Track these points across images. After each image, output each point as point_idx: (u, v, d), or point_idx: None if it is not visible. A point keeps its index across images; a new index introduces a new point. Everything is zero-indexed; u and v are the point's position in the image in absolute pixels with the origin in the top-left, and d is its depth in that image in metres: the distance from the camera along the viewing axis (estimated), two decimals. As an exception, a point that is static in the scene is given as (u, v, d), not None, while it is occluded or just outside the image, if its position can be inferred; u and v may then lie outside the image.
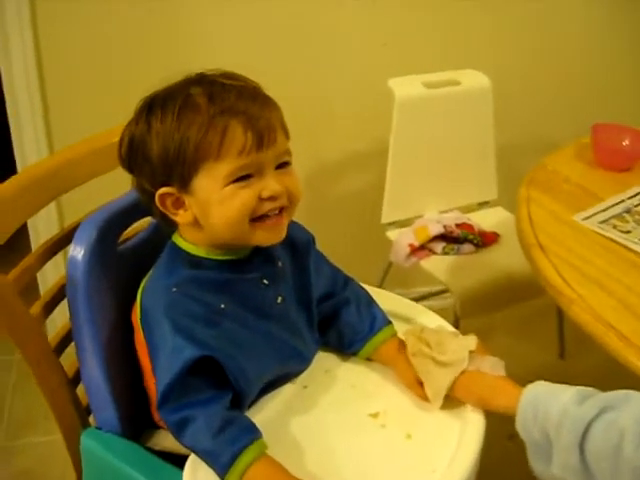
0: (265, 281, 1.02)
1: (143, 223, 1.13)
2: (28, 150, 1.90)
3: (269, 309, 1.02)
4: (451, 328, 1.14)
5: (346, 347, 1.12)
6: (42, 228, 1.96)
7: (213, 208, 0.93)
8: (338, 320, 1.12)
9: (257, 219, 0.95)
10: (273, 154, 0.94)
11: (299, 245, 1.09)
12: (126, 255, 1.08)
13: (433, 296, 2.13)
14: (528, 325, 2.30)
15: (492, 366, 1.02)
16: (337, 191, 2.28)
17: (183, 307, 0.94)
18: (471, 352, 1.03)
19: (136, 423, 1.07)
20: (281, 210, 0.96)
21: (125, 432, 1.06)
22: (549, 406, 0.90)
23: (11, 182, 1.04)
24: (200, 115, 0.91)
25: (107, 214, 1.04)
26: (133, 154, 0.96)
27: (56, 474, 1.12)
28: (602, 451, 0.84)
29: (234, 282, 0.99)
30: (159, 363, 0.93)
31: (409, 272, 1.89)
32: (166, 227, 1.01)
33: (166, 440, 1.04)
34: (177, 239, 1.01)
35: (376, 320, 1.11)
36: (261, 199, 0.93)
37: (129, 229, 1.10)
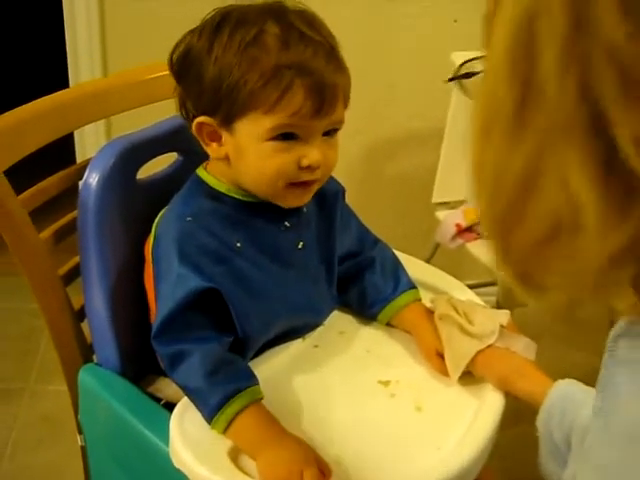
0: (287, 224, 0.96)
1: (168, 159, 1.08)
2: (82, 75, 1.87)
3: (288, 254, 0.96)
4: (482, 303, 1.06)
5: (367, 308, 1.05)
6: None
7: (249, 158, 0.88)
8: (361, 279, 1.06)
9: (290, 186, 0.90)
10: (326, 123, 0.88)
11: (328, 195, 1.02)
12: (145, 189, 1.03)
13: (478, 287, 2.04)
14: (578, 331, 2.18)
15: (524, 347, 0.94)
16: (392, 168, 2.21)
17: (195, 238, 0.89)
18: (502, 328, 0.96)
19: (140, 366, 1.03)
20: (312, 183, 0.91)
21: (126, 372, 1.02)
22: (579, 409, 0.80)
23: (60, 94, 1.05)
24: (267, 59, 0.84)
25: (129, 142, 1.00)
26: (185, 66, 0.90)
27: (74, 424, 1.13)
28: None
29: (253, 221, 0.94)
30: (161, 292, 0.89)
31: (456, 257, 1.81)
32: (187, 156, 0.97)
33: (168, 388, 1.00)
34: (201, 171, 0.96)
35: (400, 282, 1.05)
36: (299, 167, 0.88)
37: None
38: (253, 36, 0.85)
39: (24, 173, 1.01)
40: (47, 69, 2.41)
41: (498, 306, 1.58)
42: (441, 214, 1.83)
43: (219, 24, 0.88)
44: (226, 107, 0.87)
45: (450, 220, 1.73)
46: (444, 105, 1.79)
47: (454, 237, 1.72)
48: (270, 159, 0.87)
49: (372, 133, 2.13)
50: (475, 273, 1.79)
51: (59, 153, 1.21)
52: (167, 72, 0.97)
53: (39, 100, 1.02)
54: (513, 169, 0.42)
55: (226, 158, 0.91)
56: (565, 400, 0.83)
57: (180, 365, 0.86)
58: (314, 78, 0.84)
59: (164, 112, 1.06)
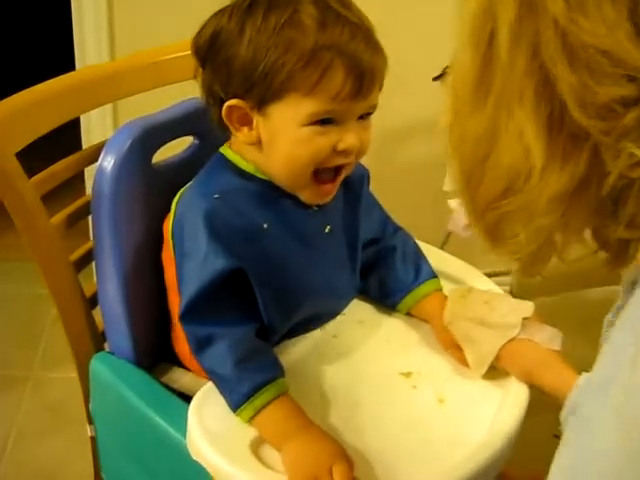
0: (315, 207, 0.93)
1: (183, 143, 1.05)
2: (89, 58, 1.82)
3: (314, 238, 0.94)
4: (503, 292, 1.03)
5: (386, 297, 1.03)
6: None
7: (282, 142, 0.86)
8: (381, 267, 1.03)
9: (318, 176, 0.88)
10: (363, 106, 0.86)
11: (353, 179, 0.99)
12: (161, 172, 1.00)
13: (492, 277, 2.02)
14: (589, 327, 2.17)
15: (549, 338, 0.91)
16: (403, 156, 2.18)
17: (223, 216, 0.86)
18: (525, 319, 0.93)
19: (154, 356, 1.01)
20: (340, 170, 0.89)
21: (139, 361, 0.99)
22: None
23: (67, 77, 1.03)
24: (305, 41, 0.81)
25: (145, 125, 0.97)
26: (213, 49, 0.87)
27: (81, 410, 1.10)
28: None
29: (281, 202, 0.91)
30: (187, 271, 0.86)
31: (469, 246, 1.78)
32: (220, 130, 0.92)
33: (183, 378, 0.98)
34: (226, 150, 0.93)
35: (421, 271, 1.02)
36: (335, 151, 0.85)
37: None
38: (288, 16, 0.82)
39: (27, 156, 0.99)
40: (53, 51, 2.38)
41: (513, 296, 1.55)
42: (452, 202, 1.80)
43: (250, 5, 0.85)
44: (261, 90, 0.84)
45: (462, 209, 1.70)
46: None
47: (467, 226, 1.69)
48: (306, 144, 0.84)
49: (381, 124, 2.10)
50: (487, 262, 1.76)
51: (62, 136, 1.17)
52: (176, 55, 0.94)
53: (48, 82, 1.00)
54: (477, 130, 0.50)
55: (257, 142, 0.88)
56: None
57: (208, 349, 0.84)
58: (354, 60, 0.82)
59: (171, 95, 1.04)
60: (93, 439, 1.11)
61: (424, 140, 2.14)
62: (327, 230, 0.94)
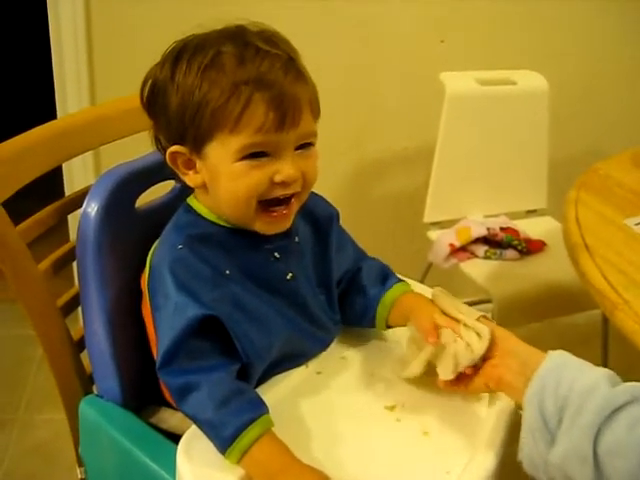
0: (276, 254, 0.95)
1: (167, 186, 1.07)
2: (70, 105, 1.86)
3: (277, 284, 0.95)
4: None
5: (363, 317, 1.04)
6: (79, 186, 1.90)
7: (222, 180, 0.88)
8: (351, 291, 1.05)
9: (265, 206, 0.89)
10: (294, 136, 0.87)
11: (321, 220, 1.02)
12: (144, 217, 1.02)
13: (474, 305, 2.05)
14: (573, 351, 2.20)
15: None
16: (381, 189, 2.21)
17: (188, 265, 0.88)
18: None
19: (142, 398, 1.02)
20: (292, 197, 0.90)
21: (127, 404, 1.00)
22: (579, 376, 0.79)
23: (49, 126, 1.04)
24: (225, 78, 0.84)
25: (127, 171, 0.99)
26: (152, 99, 0.91)
27: (70, 452, 1.11)
28: (621, 447, 0.73)
29: (242, 250, 0.93)
30: (161, 323, 0.88)
31: (449, 277, 1.81)
32: (184, 184, 0.95)
33: (172, 418, 0.99)
34: (192, 200, 0.96)
35: (387, 281, 1.04)
36: (273, 183, 0.87)
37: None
38: (210, 58, 0.86)
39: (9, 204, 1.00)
40: (33, 100, 2.40)
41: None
42: (433, 234, 1.84)
43: (179, 52, 0.89)
44: (193, 132, 0.87)
45: (443, 240, 1.74)
46: (431, 125, 1.80)
47: (448, 257, 1.73)
48: (242, 179, 0.86)
49: (360, 154, 2.14)
50: (467, 292, 1.79)
51: (44, 185, 1.19)
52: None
53: (30, 131, 1.01)
54: None
55: (203, 186, 0.91)
56: (561, 371, 0.81)
57: (188, 397, 0.85)
58: (273, 90, 0.84)
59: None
60: (83, 481, 1.12)
61: (402, 172, 2.18)
62: (289, 277, 0.96)
